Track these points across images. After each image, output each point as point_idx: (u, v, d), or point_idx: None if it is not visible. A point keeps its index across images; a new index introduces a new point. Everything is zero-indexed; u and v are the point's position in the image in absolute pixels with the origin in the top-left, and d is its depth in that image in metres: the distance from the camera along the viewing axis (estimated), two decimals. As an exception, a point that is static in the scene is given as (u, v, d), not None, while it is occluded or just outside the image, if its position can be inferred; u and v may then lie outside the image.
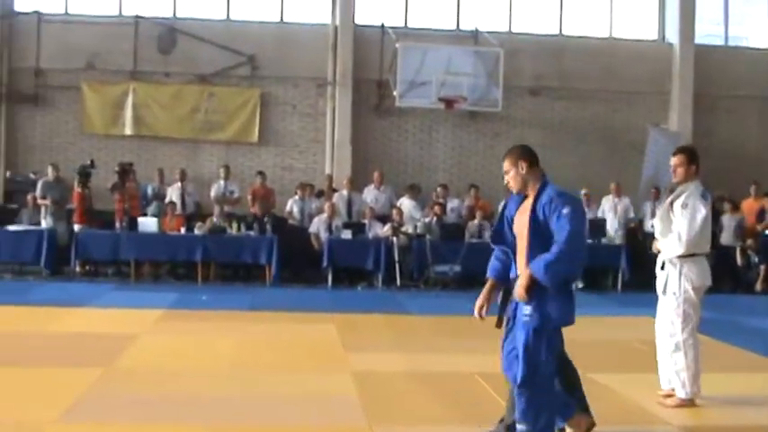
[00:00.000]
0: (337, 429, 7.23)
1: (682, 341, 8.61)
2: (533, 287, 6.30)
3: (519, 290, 6.35)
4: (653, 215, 20.07)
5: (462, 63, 21.23)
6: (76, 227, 18.91)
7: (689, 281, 8.59)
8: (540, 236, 6.36)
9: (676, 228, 8.61)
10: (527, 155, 6.68)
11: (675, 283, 8.62)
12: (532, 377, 6.35)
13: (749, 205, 20.50)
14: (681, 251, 8.56)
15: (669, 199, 8.87)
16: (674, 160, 8.78)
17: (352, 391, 7.78)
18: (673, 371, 8.69)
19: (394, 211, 19.51)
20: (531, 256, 6.34)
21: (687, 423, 7.99)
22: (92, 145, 21.85)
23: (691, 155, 8.75)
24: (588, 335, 12.81)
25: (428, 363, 8.51)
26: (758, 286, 19.23)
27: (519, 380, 6.37)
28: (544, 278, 6.26)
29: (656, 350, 9.05)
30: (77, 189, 19.22)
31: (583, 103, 22.90)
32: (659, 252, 8.90)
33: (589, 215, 20.22)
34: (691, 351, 8.62)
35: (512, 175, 6.63)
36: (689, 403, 8.57)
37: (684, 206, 8.58)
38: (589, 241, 19.43)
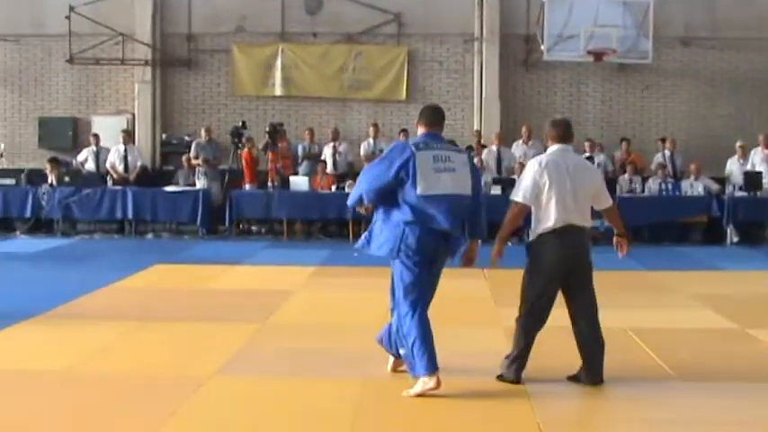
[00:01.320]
0: (490, 383, 7.27)
1: None
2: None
3: None
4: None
5: (611, 14, 20.86)
6: (247, 186, 19.38)
7: None
8: None
9: None
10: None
11: None
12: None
13: None
14: None
15: None
16: None
17: (503, 345, 7.79)
18: None
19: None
20: None
21: None
22: (243, 106, 22.17)
23: None
24: (745, 290, 12.65)
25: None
26: None
27: None
28: None
29: None
30: (245, 151, 19.81)
31: (736, 52, 22.27)
32: None
33: (744, 167, 19.83)
34: None
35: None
36: None
37: None
38: (743, 194, 19.09)
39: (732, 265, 15.28)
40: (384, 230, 7.39)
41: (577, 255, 7.45)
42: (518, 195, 7.43)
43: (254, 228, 20.11)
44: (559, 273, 7.38)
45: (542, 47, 20.92)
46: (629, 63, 21.71)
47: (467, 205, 7.37)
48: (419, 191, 7.09)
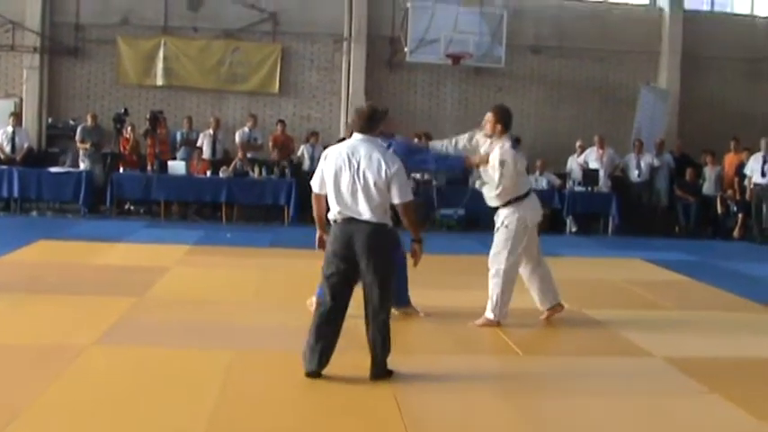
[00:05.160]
0: (347, 357, 7.24)
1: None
2: None
3: None
4: (637, 166, 20.27)
5: (468, 22, 21.06)
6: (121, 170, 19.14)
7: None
8: None
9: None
10: None
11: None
12: None
13: (730, 159, 20.50)
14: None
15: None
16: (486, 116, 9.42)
17: (361, 323, 7.82)
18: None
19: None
20: None
21: (670, 354, 8.04)
22: (126, 94, 21.79)
23: (500, 112, 9.38)
24: (582, 274, 12.94)
25: (434, 298, 8.61)
26: (736, 233, 19.26)
27: None
28: None
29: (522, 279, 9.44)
30: (127, 135, 19.74)
31: (579, 61, 22.79)
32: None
33: (580, 163, 20.37)
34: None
35: None
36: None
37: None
38: (582, 189, 19.59)
39: (570, 251, 15.58)
40: None
41: (357, 248, 6.78)
42: (313, 184, 7.14)
43: (132, 208, 19.84)
44: (340, 263, 6.85)
45: (406, 49, 21.01)
46: (484, 67, 21.97)
47: None
48: None
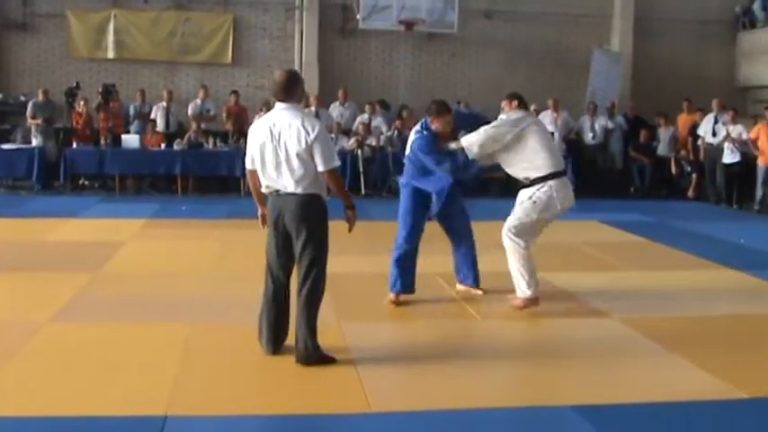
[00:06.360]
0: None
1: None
2: None
3: None
4: (591, 129, 20.31)
5: (421, -13, 21.10)
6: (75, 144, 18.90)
7: None
8: None
9: None
10: None
11: None
12: None
13: (683, 120, 20.60)
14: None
15: None
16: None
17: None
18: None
19: (360, 126, 19.49)
20: None
21: (628, 315, 8.11)
22: (77, 68, 21.55)
23: (511, 93, 9.50)
24: (539, 237, 12.97)
25: (385, 264, 8.61)
26: (690, 193, 19.33)
27: None
28: None
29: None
30: (79, 109, 19.37)
31: (532, 25, 22.75)
32: None
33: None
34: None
35: None
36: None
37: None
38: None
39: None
40: None
41: (287, 221, 6.56)
42: (246, 160, 6.79)
43: (87, 183, 19.63)
44: (276, 238, 6.68)
45: (358, 16, 20.95)
46: (437, 32, 21.92)
47: None
48: None
